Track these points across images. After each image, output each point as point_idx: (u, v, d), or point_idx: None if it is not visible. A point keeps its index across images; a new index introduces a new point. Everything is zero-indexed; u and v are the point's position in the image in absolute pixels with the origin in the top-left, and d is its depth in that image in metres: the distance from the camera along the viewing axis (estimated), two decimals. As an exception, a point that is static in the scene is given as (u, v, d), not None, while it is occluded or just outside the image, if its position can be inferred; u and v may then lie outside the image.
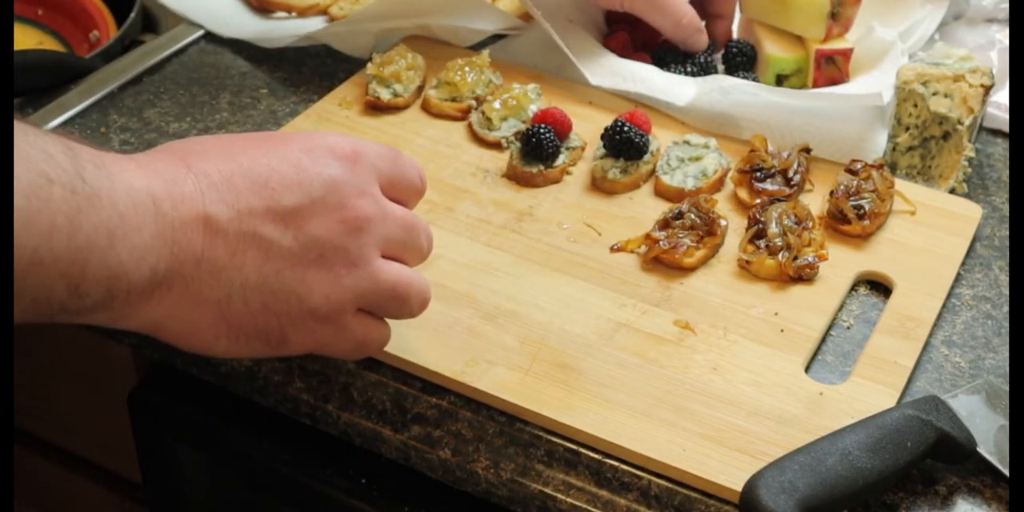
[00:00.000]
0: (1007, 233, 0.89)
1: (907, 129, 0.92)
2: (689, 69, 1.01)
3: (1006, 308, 0.83)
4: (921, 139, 0.92)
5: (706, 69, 1.01)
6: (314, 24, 1.07)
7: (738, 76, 0.99)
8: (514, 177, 0.91)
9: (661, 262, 0.83)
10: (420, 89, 0.99)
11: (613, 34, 1.05)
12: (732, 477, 0.69)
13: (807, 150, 0.91)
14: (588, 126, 0.94)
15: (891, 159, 0.93)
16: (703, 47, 1.02)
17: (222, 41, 1.07)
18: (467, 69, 0.98)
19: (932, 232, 0.87)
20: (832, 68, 0.99)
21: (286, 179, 0.65)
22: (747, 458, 0.70)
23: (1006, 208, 0.92)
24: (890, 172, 0.90)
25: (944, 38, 1.09)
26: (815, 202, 0.89)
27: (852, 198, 0.86)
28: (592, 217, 0.87)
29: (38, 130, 0.58)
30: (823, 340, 0.80)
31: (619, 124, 0.90)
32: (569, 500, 0.71)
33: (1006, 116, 0.99)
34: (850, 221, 0.86)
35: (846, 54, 0.99)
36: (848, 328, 0.81)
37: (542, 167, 0.90)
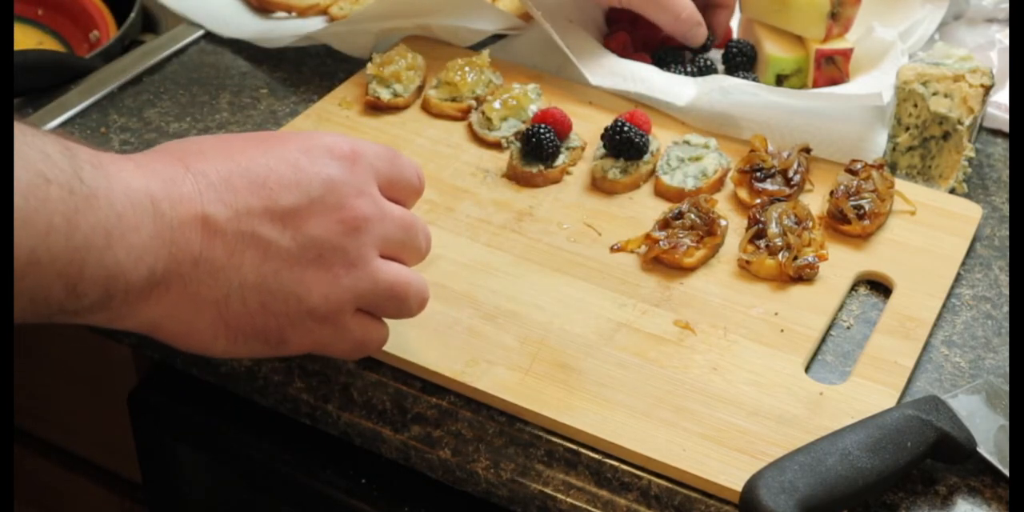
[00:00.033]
0: (1007, 233, 0.89)
1: (907, 129, 0.92)
2: (689, 69, 1.01)
3: (1006, 308, 0.83)
4: (921, 139, 0.92)
5: (706, 69, 1.01)
6: (314, 24, 1.07)
7: (738, 76, 0.99)
8: (514, 177, 0.91)
9: (661, 262, 0.83)
10: (420, 89, 0.99)
11: (613, 34, 1.05)
12: (732, 477, 0.69)
13: (807, 150, 0.91)
14: (588, 126, 0.94)
15: (891, 159, 0.93)
16: (703, 40, 1.02)
17: (222, 41, 1.07)
18: (467, 69, 0.98)
19: (932, 232, 0.87)
20: (832, 68, 0.99)
21: (284, 179, 0.65)
22: (747, 458, 0.70)
23: (1006, 208, 0.92)
24: (890, 172, 0.90)
25: (944, 38, 1.09)
26: (815, 202, 0.89)
27: (852, 198, 0.86)
28: (592, 217, 0.87)
29: (36, 130, 0.58)
30: (823, 340, 0.80)
31: (619, 124, 0.90)
32: (569, 500, 0.71)
33: (1006, 116, 0.99)
34: (850, 221, 0.86)
35: (846, 54, 0.99)
36: (848, 328, 0.81)
37: (542, 167, 0.90)
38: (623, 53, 1.02)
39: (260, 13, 1.10)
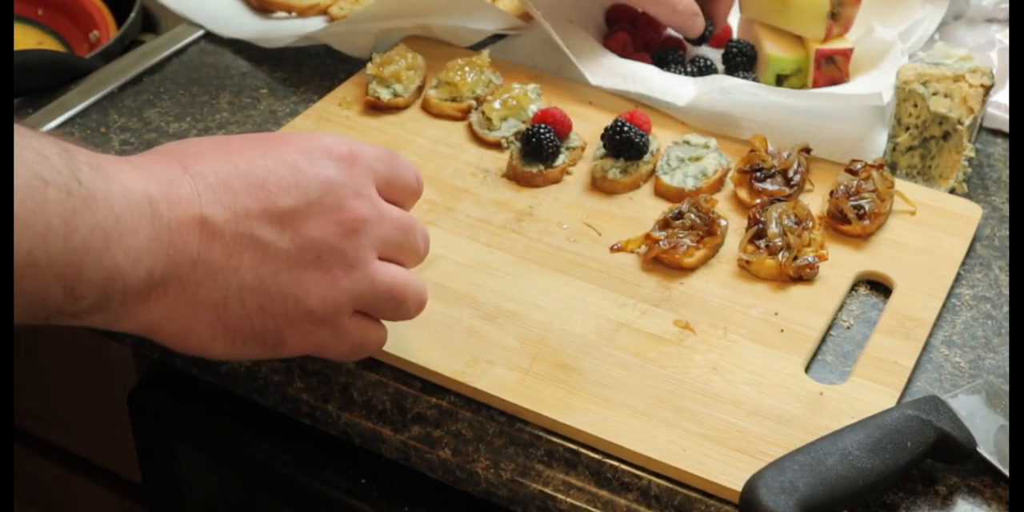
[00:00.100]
0: (1007, 233, 0.89)
1: (907, 129, 0.92)
2: (689, 69, 1.01)
3: (1006, 308, 0.83)
4: (921, 139, 0.92)
5: (706, 69, 1.01)
6: (314, 24, 1.07)
7: (738, 76, 0.99)
8: (514, 177, 0.91)
9: (661, 262, 0.83)
10: (420, 89, 0.99)
11: (613, 34, 1.05)
12: (732, 477, 0.69)
13: (807, 150, 0.91)
14: (588, 126, 0.94)
15: (891, 159, 0.93)
16: (700, 31, 1.02)
17: (222, 41, 1.07)
18: (467, 69, 0.98)
19: (932, 232, 0.87)
20: (832, 68, 0.99)
21: (283, 181, 0.65)
22: (747, 458, 0.70)
23: (1006, 208, 0.92)
24: (890, 172, 0.90)
25: (944, 38, 1.09)
26: (815, 202, 0.89)
27: (852, 198, 0.86)
28: (592, 217, 0.87)
29: (34, 132, 0.58)
30: (823, 340, 0.80)
31: (619, 124, 0.90)
32: (569, 500, 0.71)
33: (1006, 116, 0.99)
34: (850, 221, 0.86)
35: (846, 54, 0.99)
36: (848, 328, 0.81)
37: (542, 167, 0.90)
38: (623, 53, 1.02)
39: (260, 13, 1.10)
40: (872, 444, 0.67)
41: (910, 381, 0.77)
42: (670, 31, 1.07)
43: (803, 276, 0.82)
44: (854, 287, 0.84)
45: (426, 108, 0.98)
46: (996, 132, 1.00)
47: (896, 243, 0.86)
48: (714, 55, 1.05)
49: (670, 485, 0.70)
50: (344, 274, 0.66)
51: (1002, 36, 1.07)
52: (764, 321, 0.79)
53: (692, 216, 0.84)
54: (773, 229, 0.83)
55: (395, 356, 0.76)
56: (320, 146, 0.67)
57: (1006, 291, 0.84)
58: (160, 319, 0.63)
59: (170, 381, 0.86)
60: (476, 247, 0.84)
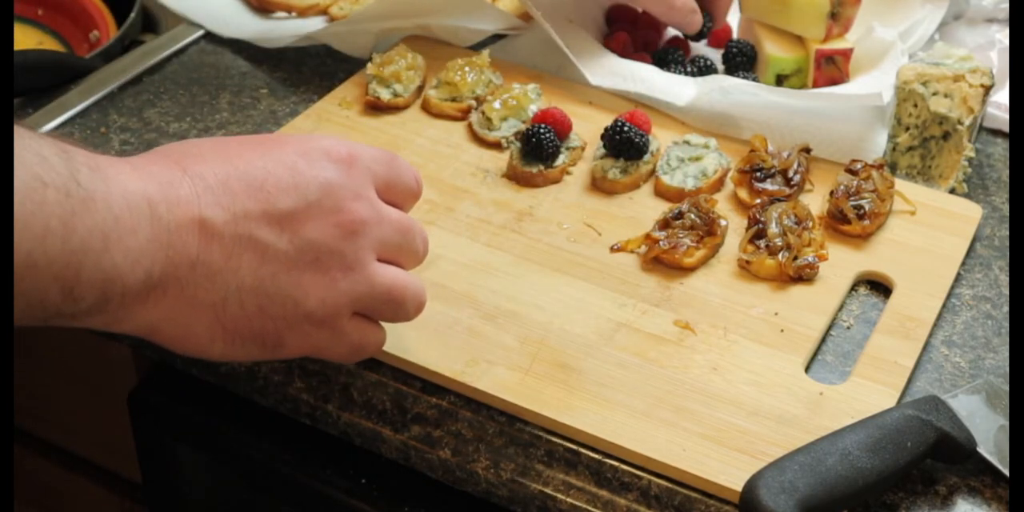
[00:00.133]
0: (1007, 233, 0.89)
1: (907, 129, 0.92)
2: (689, 69, 1.01)
3: (1006, 308, 0.83)
4: (921, 139, 0.92)
5: (706, 69, 1.01)
6: (314, 24, 1.07)
7: (738, 76, 0.99)
8: (514, 177, 0.91)
9: (661, 262, 0.83)
10: (420, 89, 0.99)
11: (613, 34, 1.05)
12: (732, 477, 0.69)
13: (807, 150, 0.91)
14: (588, 126, 0.94)
15: (891, 159, 0.93)
16: (698, 28, 1.02)
17: (222, 41, 1.07)
18: (467, 69, 0.98)
19: (932, 232, 0.87)
20: (832, 68, 0.99)
21: (282, 182, 0.65)
22: (747, 458, 0.70)
23: (1006, 208, 0.92)
24: (890, 172, 0.90)
25: (944, 38, 1.09)
26: (815, 202, 0.89)
27: (852, 198, 0.86)
28: (592, 217, 0.87)
29: (32, 133, 0.58)
30: (823, 340, 0.80)
31: (619, 124, 0.90)
32: (569, 500, 0.71)
33: (1006, 116, 0.99)
34: (850, 221, 0.86)
35: (846, 54, 0.99)
36: (848, 328, 0.81)
37: (542, 167, 0.90)
38: (623, 53, 1.02)
39: (260, 13, 1.10)
40: (872, 444, 0.67)
41: (910, 381, 0.77)
42: (673, 32, 1.07)
43: (803, 276, 0.82)
44: (854, 287, 0.84)
45: (426, 108, 0.98)
46: (996, 132, 1.00)
47: (896, 243, 0.86)
48: (714, 55, 1.05)
49: (670, 485, 0.70)
50: (343, 276, 0.66)
51: (1002, 36, 1.07)
52: (764, 321, 0.79)
53: (692, 216, 0.84)
54: (773, 229, 0.83)
55: (395, 356, 0.76)
56: (319, 148, 0.67)
57: (1006, 291, 0.84)
58: (159, 320, 0.63)
59: (170, 381, 0.86)
60: (476, 247, 0.84)
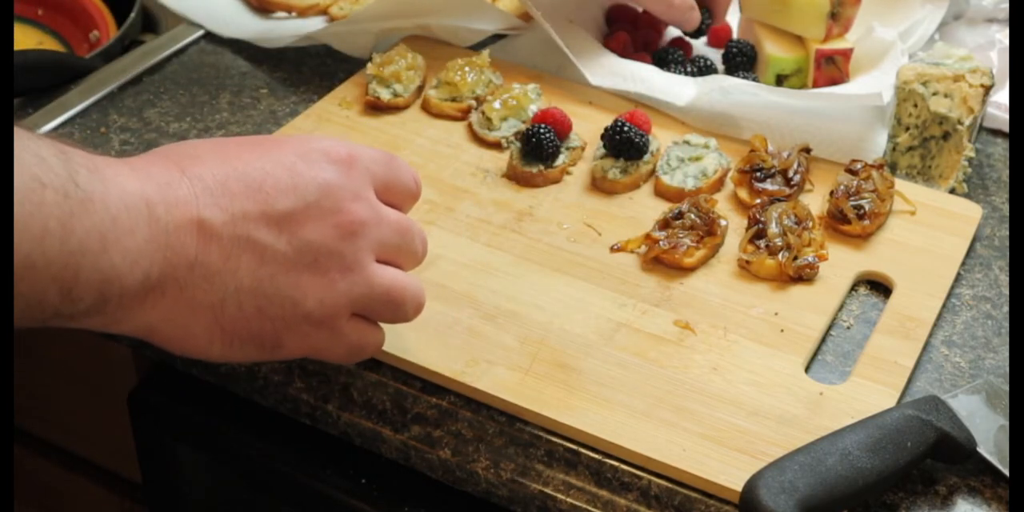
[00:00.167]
0: (1007, 233, 0.89)
1: (907, 129, 0.92)
2: (689, 69, 1.01)
3: (1006, 308, 0.83)
4: (921, 139, 0.92)
5: (706, 69, 1.01)
6: (314, 24, 1.07)
7: (738, 76, 0.99)
8: (514, 177, 0.91)
9: (661, 262, 0.83)
10: (420, 89, 0.99)
11: (613, 34, 1.05)
12: (732, 477, 0.69)
13: (807, 150, 0.91)
14: (588, 126, 0.94)
15: (891, 159, 0.93)
16: (696, 25, 1.03)
17: (222, 41, 1.07)
18: (467, 69, 0.98)
19: (932, 232, 0.87)
20: (832, 68, 0.99)
21: (280, 183, 0.65)
22: (747, 458, 0.70)
23: (1006, 208, 0.92)
24: (890, 172, 0.90)
25: (944, 38, 1.09)
26: (815, 202, 0.89)
27: (852, 198, 0.86)
28: (592, 217, 0.87)
29: (31, 134, 0.58)
30: (823, 340, 0.80)
31: (619, 124, 0.90)
32: (569, 500, 0.71)
33: (1006, 116, 0.99)
34: (850, 221, 0.86)
35: (846, 54, 0.99)
36: (848, 328, 0.81)
37: (542, 167, 0.90)
38: (623, 53, 1.02)
39: (260, 13, 1.10)
40: (872, 444, 0.67)
41: (910, 381, 0.77)
42: (673, 32, 1.07)
43: (803, 276, 0.82)
44: (854, 287, 0.84)
45: (426, 108, 0.98)
46: (996, 132, 1.00)
47: (896, 243, 0.86)
48: (714, 55, 1.05)
49: (670, 485, 0.70)
50: (342, 277, 0.66)
51: (1002, 36, 1.07)
52: (764, 321, 0.79)
53: (692, 216, 0.84)
54: (773, 229, 0.83)
55: (395, 356, 0.76)
56: (318, 148, 0.67)
57: (1006, 291, 0.84)
58: (157, 321, 0.63)
59: (170, 381, 0.86)
60: (476, 247, 0.84)
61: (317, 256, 0.65)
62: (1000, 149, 0.98)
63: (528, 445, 0.73)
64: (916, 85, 0.91)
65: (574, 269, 0.83)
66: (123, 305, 0.61)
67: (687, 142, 0.92)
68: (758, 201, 0.86)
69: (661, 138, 0.93)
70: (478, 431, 0.74)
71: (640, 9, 1.06)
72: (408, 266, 0.71)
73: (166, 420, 0.88)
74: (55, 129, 0.96)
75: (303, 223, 0.65)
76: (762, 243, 0.83)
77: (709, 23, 1.04)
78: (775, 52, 1.00)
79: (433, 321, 0.77)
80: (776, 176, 0.89)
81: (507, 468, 0.72)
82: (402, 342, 0.76)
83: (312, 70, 1.04)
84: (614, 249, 0.84)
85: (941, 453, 0.70)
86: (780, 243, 0.83)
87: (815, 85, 1.00)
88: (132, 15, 1.08)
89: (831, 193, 0.87)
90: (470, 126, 0.96)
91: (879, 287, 0.84)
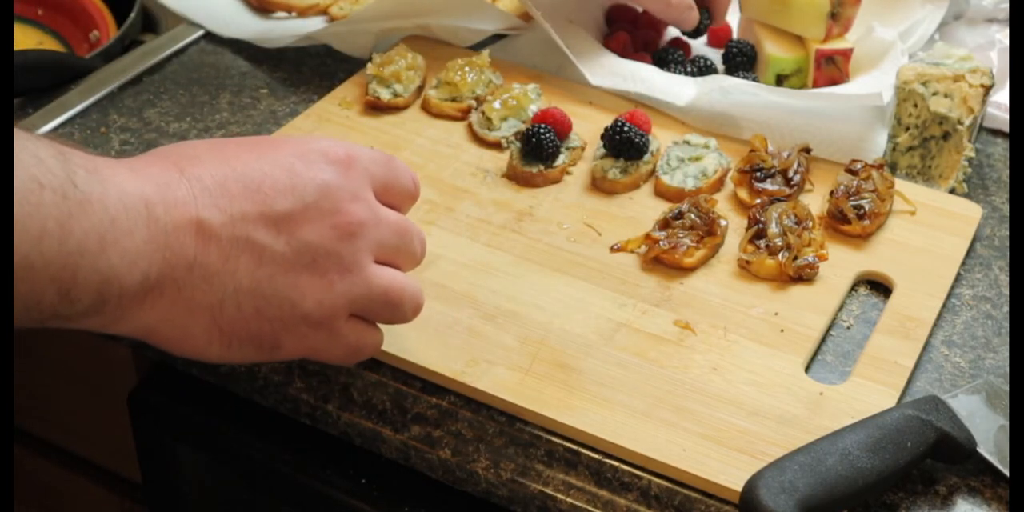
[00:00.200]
0: (1007, 233, 0.89)
1: (907, 129, 0.92)
2: (689, 69, 1.01)
3: (1006, 308, 0.83)
4: (921, 139, 0.92)
5: (706, 69, 1.01)
6: (314, 24, 1.07)
7: (738, 76, 0.99)
8: (514, 177, 0.91)
9: (661, 262, 0.83)
10: (420, 89, 0.99)
11: (613, 34, 1.05)
12: (732, 477, 0.69)
13: (807, 150, 0.91)
14: (588, 126, 0.94)
15: (891, 159, 0.93)
16: (695, 24, 1.03)
17: (222, 41, 1.07)
18: (467, 69, 0.98)
19: (932, 232, 0.87)
20: (832, 68, 0.99)
21: (279, 184, 0.65)
22: (747, 458, 0.70)
23: (1006, 208, 0.92)
24: (890, 172, 0.90)
25: (944, 38, 1.09)
26: (815, 202, 0.89)
27: (852, 198, 0.86)
28: (592, 217, 0.87)
29: (29, 134, 0.58)
30: (823, 340, 0.80)
31: (619, 124, 0.90)
32: (569, 500, 0.71)
33: (1006, 116, 0.99)
34: (850, 221, 0.86)
35: (846, 54, 0.99)
36: (848, 328, 0.81)
37: (542, 167, 0.90)
38: (623, 53, 1.02)
39: (260, 13, 1.10)
40: (872, 444, 0.67)
41: (910, 381, 0.77)
42: (673, 32, 1.07)
43: (803, 276, 0.82)
44: (854, 287, 0.84)
45: (426, 108, 0.98)
46: (996, 132, 1.00)
47: (896, 243, 0.86)
48: (714, 55, 1.05)
49: (670, 485, 0.70)
50: (340, 278, 0.66)
51: (1002, 36, 1.07)
52: (764, 321, 0.79)
53: (692, 216, 0.84)
54: (773, 229, 0.83)
55: (395, 356, 0.76)
56: (317, 149, 0.67)
57: (1006, 291, 0.84)
58: (156, 322, 0.63)
59: (170, 381, 0.86)
60: (476, 247, 0.84)
61: (315, 257, 0.65)
62: (1000, 149, 0.98)
63: (528, 445, 0.73)
64: (916, 85, 0.91)
65: (574, 269, 0.83)
66: (122, 306, 0.61)
67: (687, 142, 0.92)
68: (758, 201, 0.86)
69: (661, 138, 0.93)
70: (478, 431, 0.74)
71: (640, 9, 1.06)
72: (407, 267, 0.71)
73: (166, 420, 0.88)
74: (55, 129, 0.96)
75: (302, 224, 0.65)
76: (762, 243, 0.83)
77: (709, 23, 1.04)
78: (775, 52, 1.01)
79: (433, 321, 0.77)
80: (776, 176, 0.89)
81: (507, 468, 0.72)
82: (402, 342, 0.76)
83: (312, 70, 1.04)
84: (614, 249, 0.84)
85: (941, 453, 0.70)
86: (780, 243, 0.83)
87: (815, 85, 1.00)
88: (132, 15, 1.08)
89: (831, 193, 0.87)
90: (470, 126, 0.96)
91: (879, 287, 0.84)
